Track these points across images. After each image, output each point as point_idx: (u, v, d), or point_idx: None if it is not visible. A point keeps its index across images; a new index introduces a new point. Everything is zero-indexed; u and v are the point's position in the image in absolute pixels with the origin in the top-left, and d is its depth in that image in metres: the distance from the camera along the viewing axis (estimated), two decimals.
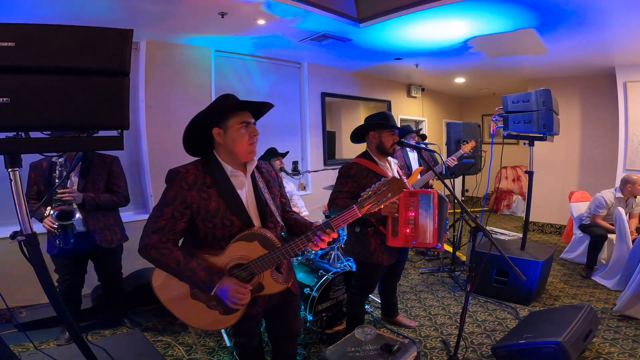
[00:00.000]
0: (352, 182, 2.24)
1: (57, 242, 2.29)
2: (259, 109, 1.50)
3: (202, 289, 1.40)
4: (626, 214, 3.59)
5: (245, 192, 1.48)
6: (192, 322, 1.50)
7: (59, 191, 2.28)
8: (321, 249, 2.95)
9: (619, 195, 3.76)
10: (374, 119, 2.38)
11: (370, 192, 1.43)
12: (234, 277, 1.42)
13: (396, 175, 2.41)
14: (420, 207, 2.18)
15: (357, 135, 2.43)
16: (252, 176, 1.53)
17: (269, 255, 1.41)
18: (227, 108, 1.42)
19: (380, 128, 2.31)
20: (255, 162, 1.53)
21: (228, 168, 1.45)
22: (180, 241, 1.48)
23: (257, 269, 1.43)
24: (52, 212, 2.27)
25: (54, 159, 2.37)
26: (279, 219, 1.55)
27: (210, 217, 1.40)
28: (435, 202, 2.19)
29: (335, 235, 1.44)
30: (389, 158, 2.43)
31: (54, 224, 2.25)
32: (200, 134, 1.45)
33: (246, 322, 1.56)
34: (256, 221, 1.48)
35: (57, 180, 2.30)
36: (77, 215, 2.34)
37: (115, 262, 2.72)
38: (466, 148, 3.69)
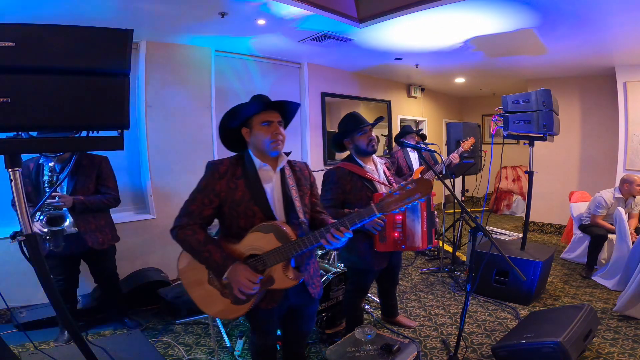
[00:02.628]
0: (336, 187, 2.17)
1: (47, 245, 2.21)
2: (285, 110, 1.59)
3: (216, 271, 1.45)
4: (625, 214, 3.59)
5: (272, 187, 1.54)
6: (206, 309, 1.56)
7: (52, 195, 2.23)
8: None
9: (618, 195, 3.76)
10: (342, 124, 2.31)
11: (394, 191, 1.41)
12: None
13: (382, 176, 2.32)
14: (407, 210, 2.11)
15: (336, 146, 2.36)
16: (282, 172, 1.59)
17: (282, 249, 1.44)
18: (250, 109, 1.52)
19: (349, 134, 2.24)
20: (286, 159, 1.60)
21: (258, 162, 1.54)
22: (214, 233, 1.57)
23: (270, 261, 1.46)
24: (41, 216, 2.21)
25: (41, 161, 2.31)
26: (302, 216, 1.56)
27: (235, 205, 1.48)
28: (423, 204, 2.16)
29: (349, 233, 1.43)
30: (375, 158, 2.35)
31: (43, 229, 2.19)
32: (235, 132, 1.57)
33: (259, 317, 1.59)
34: (280, 216, 1.53)
35: (46, 185, 2.25)
36: (68, 220, 2.30)
37: (109, 263, 2.69)
38: (466, 145, 3.70)
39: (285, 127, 1.60)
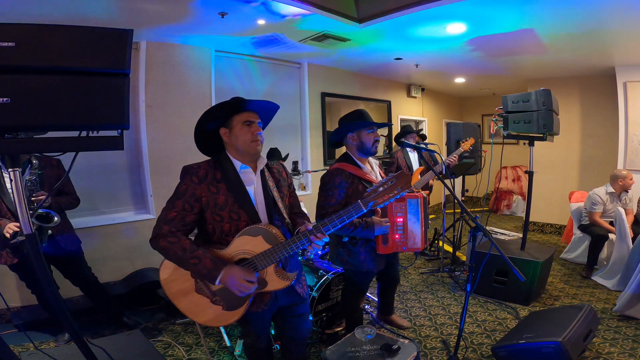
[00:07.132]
0: (340, 192, 2.07)
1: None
2: (265, 111, 1.57)
3: (207, 277, 1.41)
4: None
5: (254, 189, 1.53)
6: (196, 318, 1.51)
7: (35, 194, 2.19)
8: (322, 250, 2.96)
9: (611, 190, 3.83)
10: (349, 118, 2.21)
11: (376, 187, 1.44)
12: None
13: (378, 176, 2.28)
14: (408, 212, 2.13)
15: (335, 139, 2.27)
16: (262, 174, 1.58)
17: (272, 250, 1.44)
18: (230, 109, 1.49)
19: (358, 128, 2.15)
20: (265, 160, 1.59)
21: (238, 164, 1.52)
22: (193, 237, 1.53)
23: (261, 264, 1.44)
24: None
25: None
26: (286, 217, 1.58)
27: (219, 210, 1.45)
28: (422, 206, 2.15)
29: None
30: (370, 158, 2.29)
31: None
32: (211, 135, 1.54)
33: (251, 321, 1.58)
34: (264, 218, 1.52)
35: (29, 185, 2.20)
36: (56, 218, 2.23)
37: (80, 264, 2.65)
38: (465, 145, 3.70)
39: (262, 129, 1.58)
